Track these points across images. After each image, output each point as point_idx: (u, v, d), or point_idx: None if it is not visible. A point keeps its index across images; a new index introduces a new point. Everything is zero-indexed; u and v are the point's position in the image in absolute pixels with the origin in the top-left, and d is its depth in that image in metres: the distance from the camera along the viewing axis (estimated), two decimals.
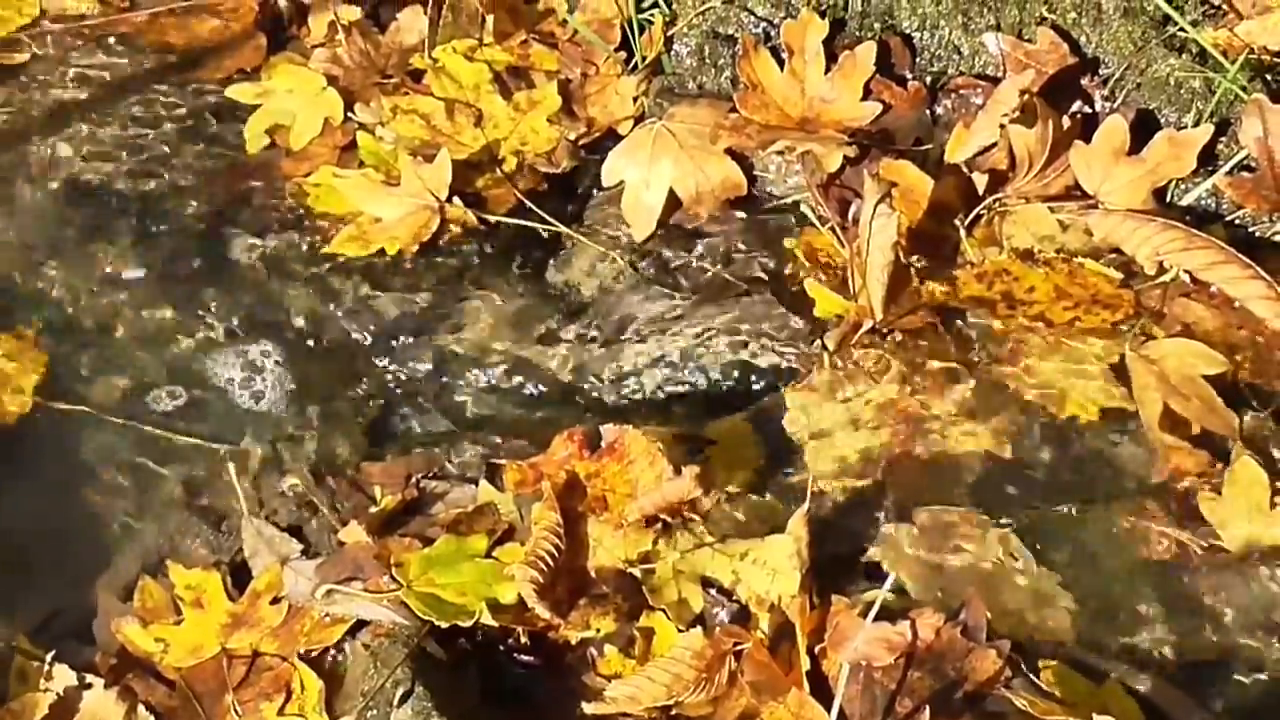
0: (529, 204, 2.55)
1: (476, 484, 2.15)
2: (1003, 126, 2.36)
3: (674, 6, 2.69)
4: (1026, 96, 2.33)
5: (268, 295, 2.49)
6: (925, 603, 1.95)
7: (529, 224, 2.54)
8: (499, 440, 2.26)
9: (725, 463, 2.15)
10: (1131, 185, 2.36)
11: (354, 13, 2.86)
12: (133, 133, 2.74)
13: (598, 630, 1.96)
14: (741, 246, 2.47)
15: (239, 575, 2.12)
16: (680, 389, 2.33)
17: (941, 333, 2.26)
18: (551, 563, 1.96)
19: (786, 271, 2.42)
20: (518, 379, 2.38)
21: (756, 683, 1.87)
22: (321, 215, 2.58)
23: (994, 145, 2.41)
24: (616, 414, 2.28)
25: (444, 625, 1.95)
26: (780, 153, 2.51)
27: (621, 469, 2.07)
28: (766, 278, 2.42)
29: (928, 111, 2.56)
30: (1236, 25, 2.47)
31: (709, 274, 2.44)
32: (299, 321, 2.47)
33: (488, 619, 1.95)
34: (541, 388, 2.37)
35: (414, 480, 2.20)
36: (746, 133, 2.52)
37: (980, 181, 2.40)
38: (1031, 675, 1.85)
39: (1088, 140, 2.38)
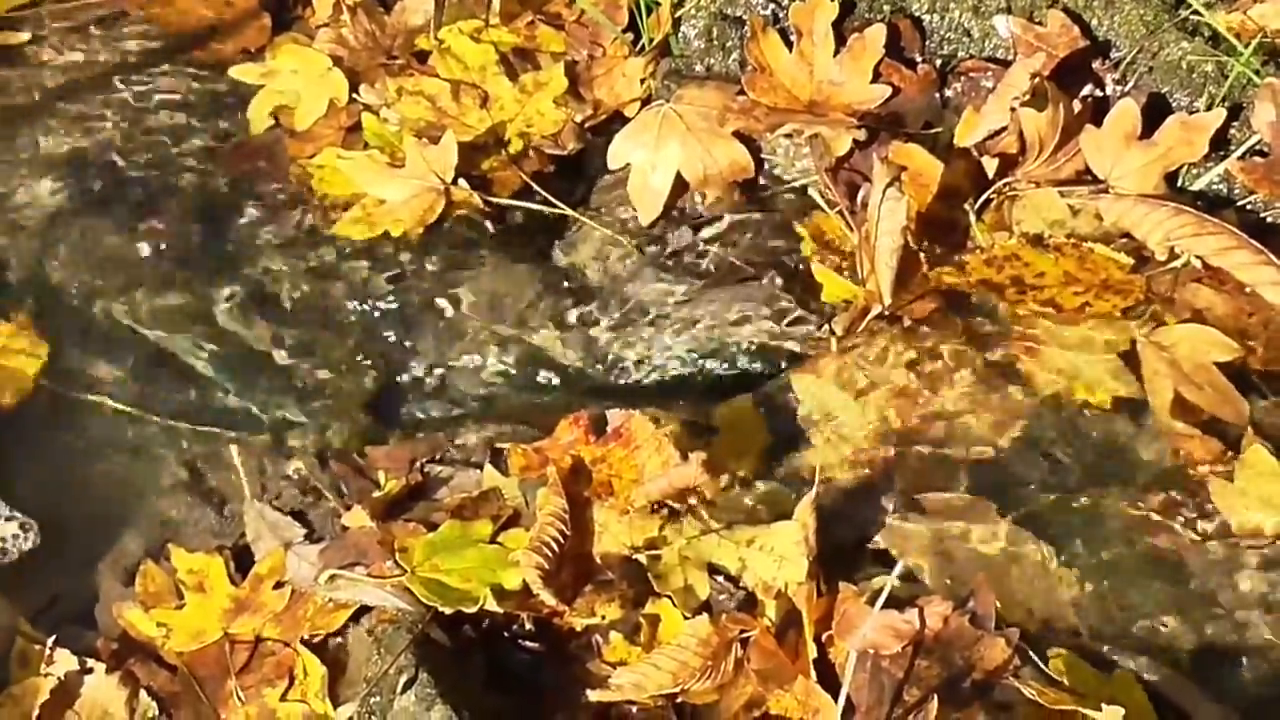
0: (535, 186, 2.54)
1: (481, 469, 2.15)
2: (1013, 110, 2.35)
3: None
4: (1037, 80, 2.32)
5: (272, 277, 2.48)
6: (933, 590, 1.95)
7: (535, 207, 2.53)
8: (504, 424, 2.25)
9: (732, 448, 2.14)
10: (1143, 170, 2.35)
11: None
12: (135, 113, 2.73)
13: (603, 617, 1.95)
14: (749, 230, 2.46)
15: (241, 559, 2.12)
16: (687, 374, 2.32)
17: (950, 318, 2.25)
18: (556, 549, 1.95)
19: (794, 256, 2.40)
20: (523, 363, 2.37)
21: (763, 670, 1.86)
22: (326, 197, 2.58)
23: (1004, 129, 2.41)
24: (622, 398, 2.26)
25: (448, 611, 1.94)
26: (788, 136, 2.50)
27: (627, 454, 2.06)
28: (774, 262, 2.41)
29: (937, 95, 2.55)
30: (1250, 8, 2.46)
31: (716, 258, 2.43)
32: (302, 304, 2.46)
33: (492, 605, 1.94)
34: (547, 372, 2.36)
35: (418, 465, 2.19)
36: (754, 115, 2.50)
37: (990, 165, 2.39)
38: (1040, 664, 1.84)
39: (1099, 124, 2.37)
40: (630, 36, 2.72)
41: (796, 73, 2.55)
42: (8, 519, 2.17)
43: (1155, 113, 2.39)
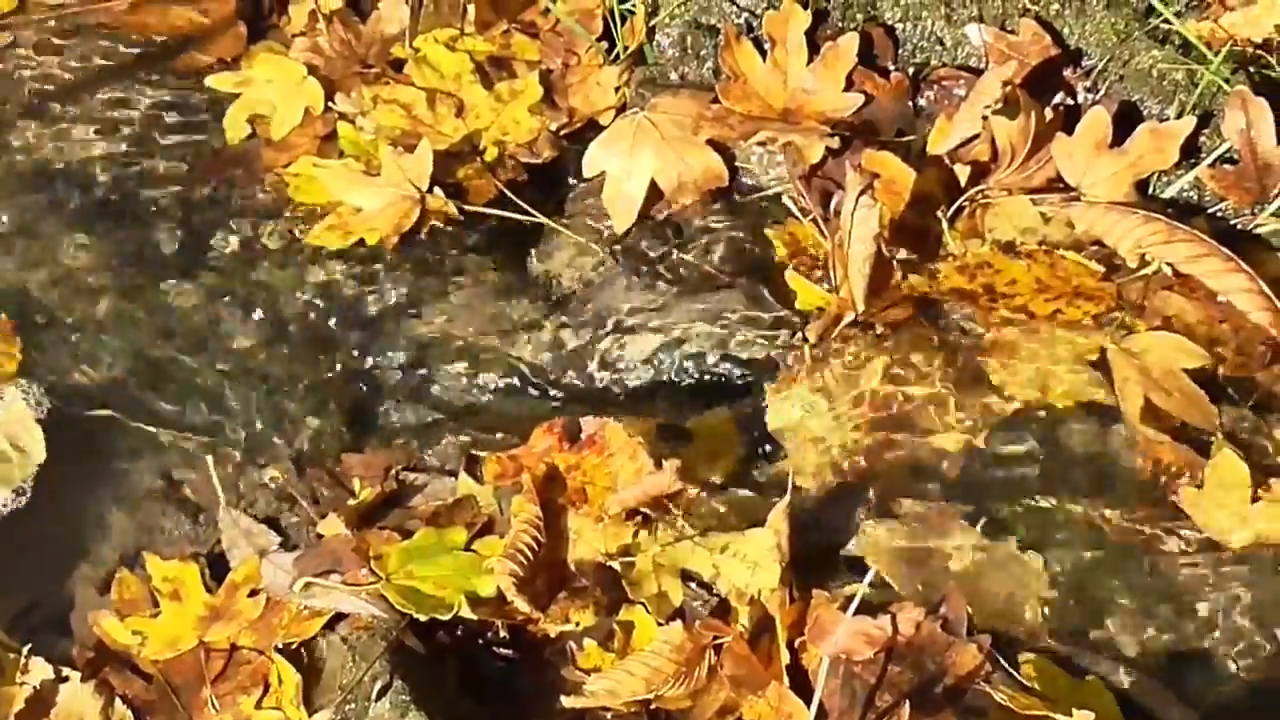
0: (510, 194, 2.54)
1: (456, 476, 2.15)
2: (985, 118, 2.36)
3: None
4: (1009, 88, 2.32)
5: (247, 285, 2.49)
6: (906, 596, 1.96)
7: (510, 215, 2.53)
8: (478, 432, 2.26)
9: (706, 455, 2.15)
10: (1114, 177, 2.36)
11: (335, 1, 2.85)
12: (112, 122, 2.73)
13: (577, 623, 1.96)
14: (723, 238, 2.46)
15: (217, 567, 2.12)
16: (661, 381, 2.32)
17: (923, 325, 2.26)
18: (531, 556, 1.96)
19: (768, 263, 2.41)
20: (498, 370, 2.37)
21: (736, 676, 1.87)
22: (301, 205, 2.58)
23: (976, 137, 2.41)
24: (597, 406, 2.27)
25: (423, 618, 1.95)
26: (762, 144, 2.50)
27: (602, 461, 2.07)
28: (748, 269, 2.41)
29: (910, 103, 2.56)
30: (1220, 17, 2.47)
31: (690, 265, 2.44)
32: (278, 312, 2.46)
33: (467, 612, 1.95)
34: (522, 379, 2.36)
35: (393, 472, 2.20)
36: (728, 124, 2.51)
37: (962, 173, 2.40)
38: (1012, 669, 1.85)
39: (1070, 132, 2.38)
40: (605, 45, 2.72)
41: (770, 81, 2.56)
42: None
43: (1126, 120, 2.40)
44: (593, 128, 2.64)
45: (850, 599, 1.83)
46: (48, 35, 2.90)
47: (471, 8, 2.78)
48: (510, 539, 1.98)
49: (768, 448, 2.18)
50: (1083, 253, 2.31)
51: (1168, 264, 2.26)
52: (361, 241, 2.50)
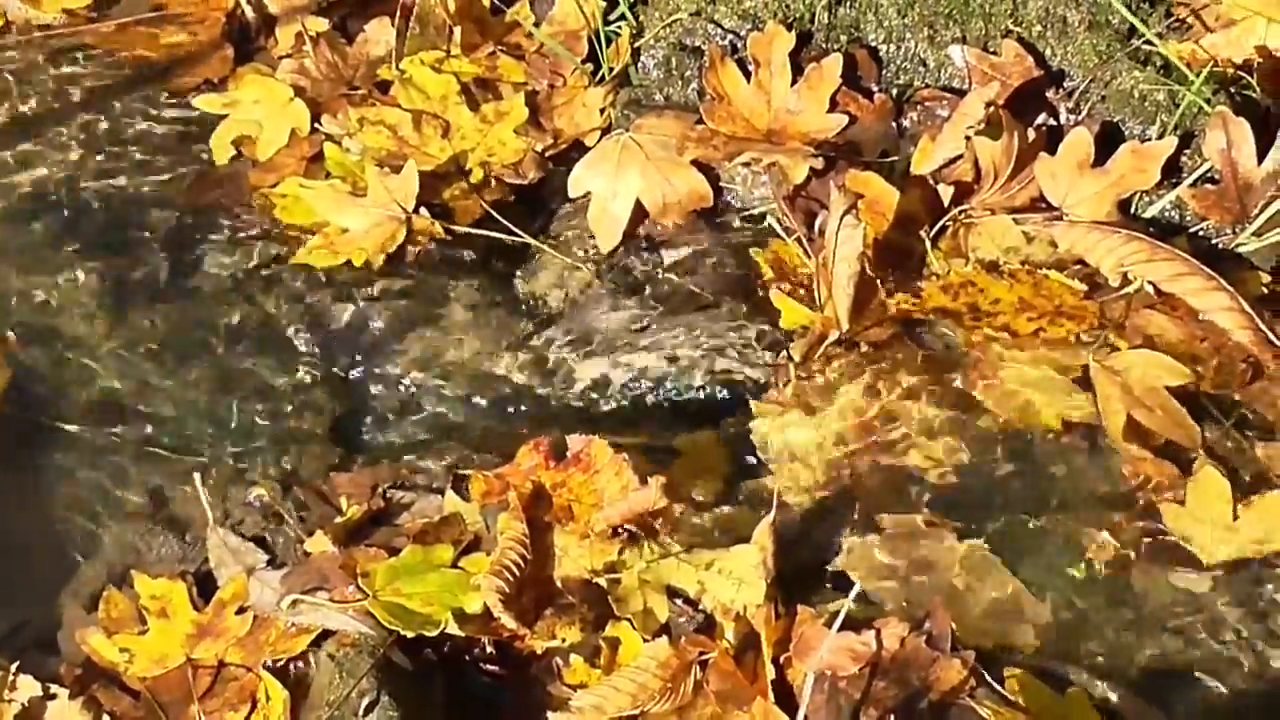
0: (496, 215, 2.55)
1: (442, 494, 2.15)
2: (968, 138, 2.37)
3: (641, 18, 2.70)
4: (992, 109, 2.34)
5: (234, 306, 2.49)
6: (890, 612, 1.96)
7: (496, 235, 2.54)
8: (465, 450, 2.26)
9: (691, 473, 2.15)
10: (1096, 197, 2.38)
11: (321, 24, 2.86)
12: (99, 143, 2.73)
13: (563, 640, 1.96)
14: (707, 257, 2.47)
15: (204, 585, 2.12)
16: (646, 400, 2.33)
17: (907, 343, 2.27)
18: (517, 573, 1.96)
19: (752, 283, 2.42)
20: (484, 389, 2.38)
21: (721, 692, 1.88)
22: (288, 226, 2.58)
23: (959, 157, 2.42)
24: (583, 424, 2.28)
25: (410, 635, 1.95)
26: (747, 164, 2.52)
27: (587, 479, 2.07)
28: (732, 289, 2.42)
29: (894, 123, 2.57)
30: (1201, 38, 2.48)
31: (675, 285, 2.44)
32: (265, 332, 2.46)
33: (454, 629, 1.95)
34: (508, 398, 2.37)
35: (380, 490, 2.19)
36: (713, 144, 2.52)
37: (946, 193, 2.41)
38: (996, 685, 1.86)
39: (1052, 152, 2.40)
40: (590, 67, 2.73)
41: (754, 102, 2.57)
42: None
43: (1108, 141, 2.41)
44: (578, 149, 2.65)
45: (835, 615, 1.84)
46: (34, 57, 2.90)
47: (457, 30, 2.78)
48: (497, 556, 1.98)
49: (753, 465, 2.19)
50: (1065, 272, 2.32)
51: (1150, 283, 2.27)
52: (348, 262, 2.51)
